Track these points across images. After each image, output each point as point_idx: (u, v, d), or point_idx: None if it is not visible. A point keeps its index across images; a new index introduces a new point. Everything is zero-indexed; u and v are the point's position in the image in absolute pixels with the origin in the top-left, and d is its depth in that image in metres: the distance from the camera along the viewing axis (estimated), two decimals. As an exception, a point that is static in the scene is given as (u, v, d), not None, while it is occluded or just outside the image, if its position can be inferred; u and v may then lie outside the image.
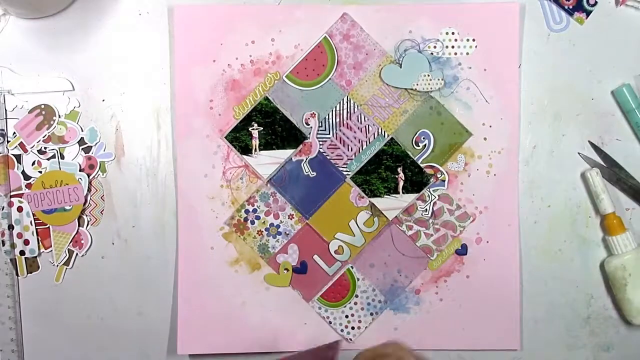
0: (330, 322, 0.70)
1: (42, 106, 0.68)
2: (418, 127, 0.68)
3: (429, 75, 0.68)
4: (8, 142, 0.69)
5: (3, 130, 0.68)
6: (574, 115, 0.69)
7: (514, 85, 0.68)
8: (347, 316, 0.70)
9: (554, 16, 0.68)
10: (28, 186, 0.69)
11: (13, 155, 0.69)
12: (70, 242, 0.69)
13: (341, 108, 0.68)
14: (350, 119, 0.69)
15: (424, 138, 0.69)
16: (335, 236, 0.69)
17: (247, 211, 0.69)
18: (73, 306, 0.70)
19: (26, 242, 0.69)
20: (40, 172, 0.69)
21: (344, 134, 0.69)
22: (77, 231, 0.69)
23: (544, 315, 0.70)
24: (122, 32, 0.69)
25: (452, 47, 0.68)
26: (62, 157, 0.69)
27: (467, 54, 0.67)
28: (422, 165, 0.69)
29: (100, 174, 0.69)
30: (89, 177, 0.69)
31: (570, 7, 0.68)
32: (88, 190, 0.69)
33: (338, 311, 0.70)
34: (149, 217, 0.70)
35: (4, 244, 0.69)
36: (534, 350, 0.70)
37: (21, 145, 0.69)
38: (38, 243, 0.69)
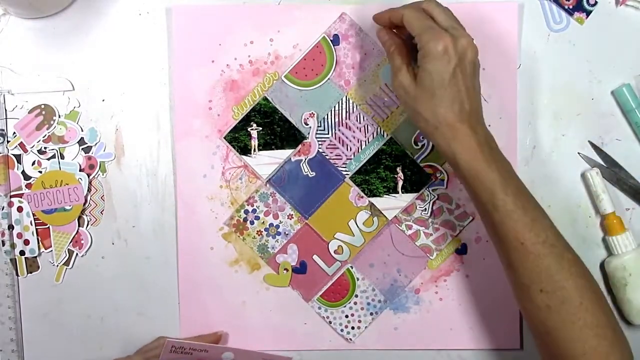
0: (330, 322, 0.70)
1: (42, 106, 0.69)
2: (417, 126, 0.68)
3: (428, 75, 0.68)
4: (8, 142, 0.69)
5: (3, 130, 0.69)
6: (574, 115, 0.68)
7: (512, 84, 0.68)
8: (347, 316, 0.70)
9: (554, 16, 0.68)
10: (28, 186, 0.69)
11: (13, 155, 0.69)
12: (70, 242, 0.69)
13: (340, 108, 0.68)
14: (349, 119, 0.68)
15: (423, 137, 0.68)
16: (335, 236, 0.69)
17: (246, 211, 0.69)
18: (73, 306, 0.70)
19: (26, 242, 0.69)
20: (40, 172, 0.69)
21: (343, 133, 0.69)
22: (77, 231, 0.69)
23: (544, 315, 0.70)
24: (122, 32, 0.69)
25: (451, 46, 0.68)
26: (62, 157, 0.69)
27: (466, 53, 0.67)
28: (421, 164, 0.69)
29: (100, 174, 0.69)
30: (89, 177, 0.69)
31: (570, 7, 0.68)
32: (88, 190, 0.69)
33: (338, 311, 0.70)
34: (149, 217, 0.70)
35: (4, 244, 0.69)
36: (534, 349, 0.69)
37: (21, 145, 0.69)
38: (38, 243, 0.69)
